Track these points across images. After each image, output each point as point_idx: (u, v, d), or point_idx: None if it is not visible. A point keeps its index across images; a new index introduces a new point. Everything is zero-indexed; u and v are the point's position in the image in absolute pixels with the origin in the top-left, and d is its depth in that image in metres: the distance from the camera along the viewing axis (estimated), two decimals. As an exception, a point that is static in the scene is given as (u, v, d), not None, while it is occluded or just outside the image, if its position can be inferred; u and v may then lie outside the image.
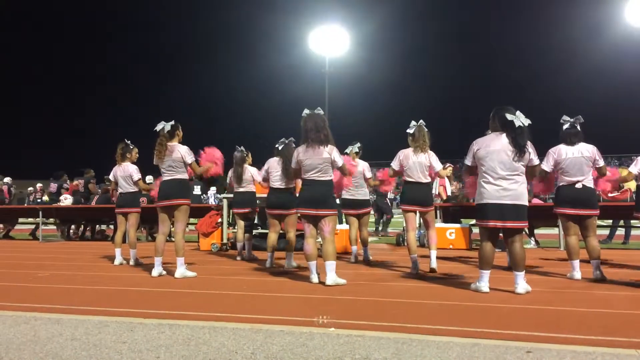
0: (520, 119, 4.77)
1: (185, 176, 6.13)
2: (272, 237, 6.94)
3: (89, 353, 3.03)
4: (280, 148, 6.94)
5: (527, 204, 4.85)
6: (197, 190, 13.11)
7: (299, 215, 5.94)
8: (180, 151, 6.05)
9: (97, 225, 13.50)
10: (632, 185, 7.05)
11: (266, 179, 6.99)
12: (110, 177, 7.60)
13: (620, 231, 10.90)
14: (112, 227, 13.07)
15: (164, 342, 3.23)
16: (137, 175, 7.36)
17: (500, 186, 4.76)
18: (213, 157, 6.96)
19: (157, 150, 6.04)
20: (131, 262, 7.26)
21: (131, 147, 7.50)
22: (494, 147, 4.82)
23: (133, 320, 3.80)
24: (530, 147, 4.83)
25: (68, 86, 68.93)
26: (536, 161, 4.91)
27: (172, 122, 6.15)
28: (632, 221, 10.44)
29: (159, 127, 6.11)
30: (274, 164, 6.94)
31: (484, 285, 4.87)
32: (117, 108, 70.29)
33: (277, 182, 6.85)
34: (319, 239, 5.72)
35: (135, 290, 5.30)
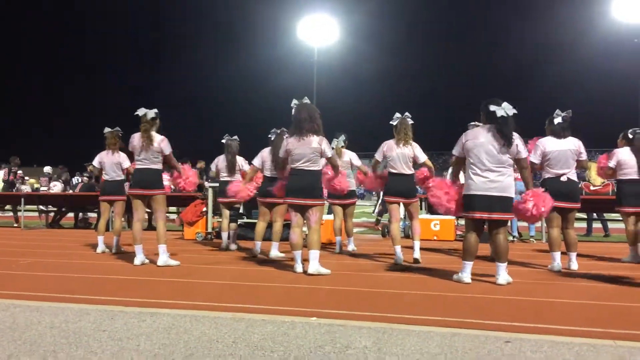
0: (504, 110, 4.79)
1: (160, 166, 6.12)
2: (261, 226, 6.92)
3: (68, 341, 3.00)
4: (272, 138, 6.92)
5: (513, 196, 4.89)
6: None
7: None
8: (159, 142, 6.02)
9: (80, 213, 13.38)
10: (594, 175, 7.17)
11: (259, 169, 6.98)
12: (95, 163, 7.48)
13: (597, 223, 11.06)
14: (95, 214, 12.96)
15: (144, 330, 3.22)
16: (127, 163, 7.29)
17: (487, 178, 4.79)
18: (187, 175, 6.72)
19: (143, 137, 5.98)
20: (114, 250, 7.21)
21: (121, 134, 7.42)
22: (481, 139, 4.85)
23: (114, 309, 3.78)
24: (518, 140, 4.86)
25: (53, 77, 68.00)
26: (524, 154, 4.93)
27: (155, 110, 6.10)
28: (605, 214, 10.66)
29: (141, 113, 6.05)
30: (267, 154, 6.93)
31: (466, 276, 4.91)
32: (105, 98, 69.54)
33: (270, 171, 6.83)
34: (305, 229, 5.72)
35: (117, 279, 5.26)
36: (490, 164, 4.79)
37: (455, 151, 5.09)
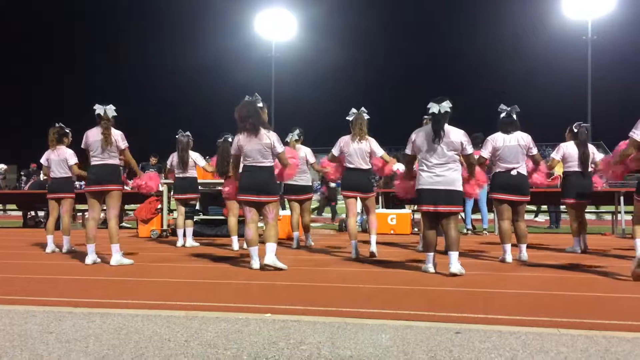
0: (438, 107, 4.99)
1: (116, 161, 5.98)
2: (233, 221, 7.20)
3: (13, 344, 2.90)
4: (217, 144, 7.01)
5: (460, 189, 5.08)
6: None
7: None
8: (115, 136, 5.88)
9: (30, 212, 12.93)
10: (560, 171, 7.41)
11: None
12: (42, 161, 7.24)
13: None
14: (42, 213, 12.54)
15: (93, 331, 3.14)
16: (73, 160, 7.07)
17: (434, 173, 5.00)
18: (149, 180, 6.92)
19: (104, 134, 5.82)
20: (64, 250, 7.00)
21: (67, 131, 7.19)
22: (426, 136, 5.06)
23: (62, 310, 3.67)
24: (463, 137, 5.04)
25: (7, 65, 65.05)
26: (469, 151, 5.11)
27: (113, 107, 5.95)
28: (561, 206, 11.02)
29: (101, 111, 5.88)
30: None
31: (431, 266, 5.14)
32: (59, 88, 67.15)
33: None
34: (260, 224, 5.71)
35: (67, 279, 5.11)
36: (435, 160, 5.00)
37: (408, 149, 5.28)
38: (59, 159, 7.04)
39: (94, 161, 5.92)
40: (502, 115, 5.99)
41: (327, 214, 14.94)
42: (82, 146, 6.02)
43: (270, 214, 5.46)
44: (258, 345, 2.85)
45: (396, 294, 4.24)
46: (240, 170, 5.62)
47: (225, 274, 5.30)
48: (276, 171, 5.76)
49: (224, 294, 4.34)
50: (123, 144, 5.94)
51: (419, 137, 5.13)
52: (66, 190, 7.09)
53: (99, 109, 5.89)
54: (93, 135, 5.89)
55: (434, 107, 5.00)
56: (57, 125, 7.17)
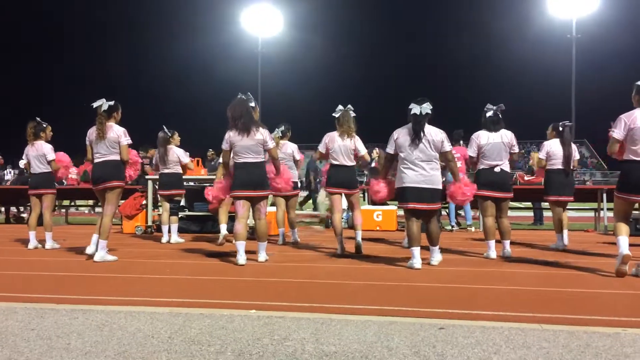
0: (419, 108, 5.11)
1: (118, 157, 5.89)
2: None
3: (-7, 341, 2.86)
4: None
5: (441, 187, 5.23)
6: None
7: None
8: (117, 132, 5.84)
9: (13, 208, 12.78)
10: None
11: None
12: (24, 157, 7.14)
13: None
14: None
15: (76, 328, 3.10)
16: (51, 155, 6.97)
17: (417, 171, 5.13)
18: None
19: (97, 129, 5.80)
20: (46, 246, 6.92)
21: (44, 126, 7.06)
22: (408, 135, 5.17)
23: (44, 306, 3.63)
24: (442, 135, 5.18)
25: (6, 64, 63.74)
26: (448, 148, 5.26)
27: (112, 102, 5.90)
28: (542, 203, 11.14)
29: (97, 104, 5.85)
30: None
31: (416, 262, 5.15)
32: (48, 85, 66.23)
33: None
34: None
35: (49, 275, 5.06)
36: (418, 159, 5.13)
37: (390, 149, 5.38)
38: (37, 154, 6.92)
39: (96, 158, 5.88)
40: (489, 114, 6.02)
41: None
42: (87, 142, 5.98)
43: (263, 209, 5.64)
44: (242, 341, 2.84)
45: (381, 290, 4.25)
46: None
47: (210, 270, 5.28)
48: (273, 183, 5.96)
49: (208, 290, 4.32)
50: (125, 140, 5.88)
51: (401, 135, 5.25)
52: (46, 186, 6.98)
53: (97, 102, 5.86)
54: (93, 132, 5.87)
55: (415, 109, 5.14)
56: (35, 120, 7.06)
